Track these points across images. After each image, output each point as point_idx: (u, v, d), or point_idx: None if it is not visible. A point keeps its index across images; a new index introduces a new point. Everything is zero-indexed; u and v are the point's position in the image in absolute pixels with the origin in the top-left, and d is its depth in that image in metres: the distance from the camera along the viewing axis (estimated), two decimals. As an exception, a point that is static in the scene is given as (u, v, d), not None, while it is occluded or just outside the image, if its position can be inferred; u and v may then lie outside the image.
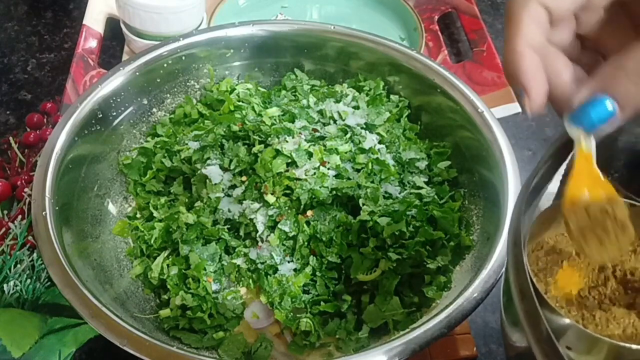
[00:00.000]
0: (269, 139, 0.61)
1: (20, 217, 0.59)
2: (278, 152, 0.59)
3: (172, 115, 0.69)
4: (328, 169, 0.60)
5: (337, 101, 0.67)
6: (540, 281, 0.36)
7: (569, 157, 0.38)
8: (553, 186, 0.38)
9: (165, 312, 0.55)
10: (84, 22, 0.83)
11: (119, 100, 0.64)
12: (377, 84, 0.69)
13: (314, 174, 0.59)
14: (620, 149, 0.41)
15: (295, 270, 0.58)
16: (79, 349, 0.54)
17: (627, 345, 0.33)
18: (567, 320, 0.33)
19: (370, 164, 0.61)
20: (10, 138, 0.68)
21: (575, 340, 0.33)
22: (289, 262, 0.58)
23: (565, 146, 0.38)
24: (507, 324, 0.38)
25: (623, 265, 0.36)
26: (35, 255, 0.57)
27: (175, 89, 0.69)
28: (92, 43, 0.81)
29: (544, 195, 0.38)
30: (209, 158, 0.62)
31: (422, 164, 0.64)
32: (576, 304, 0.35)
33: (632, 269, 0.36)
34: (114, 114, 0.64)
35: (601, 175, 0.35)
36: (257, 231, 0.58)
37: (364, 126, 0.65)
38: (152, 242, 0.59)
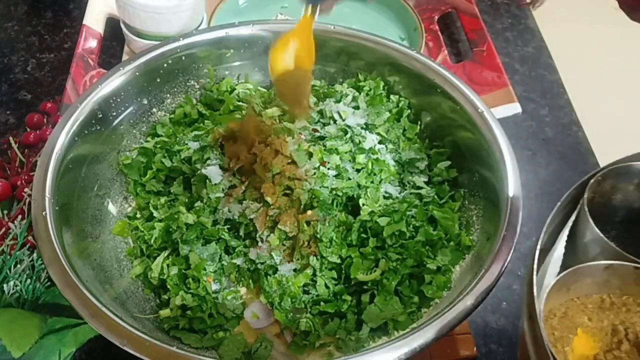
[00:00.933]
0: (269, 139, 0.61)
1: (20, 217, 0.59)
2: (278, 152, 0.60)
3: (172, 115, 0.69)
4: (328, 169, 0.60)
5: (337, 101, 0.67)
6: (558, 352, 0.36)
7: (571, 220, 0.39)
8: (558, 253, 0.40)
9: (165, 312, 0.55)
10: (84, 22, 0.83)
11: (119, 100, 0.64)
12: (377, 84, 0.69)
13: (314, 174, 0.59)
14: (614, 206, 0.42)
15: (295, 270, 0.58)
16: (79, 349, 0.54)
17: None
18: None
19: (370, 164, 0.61)
20: (10, 138, 0.68)
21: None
22: (288, 262, 0.58)
23: (570, 206, 0.39)
24: None
25: (635, 327, 0.37)
26: (35, 255, 0.57)
27: (175, 89, 0.69)
28: (92, 43, 0.81)
29: (551, 262, 0.39)
30: (209, 158, 0.62)
31: (422, 164, 0.64)
32: None
33: None
34: (114, 114, 0.64)
35: (312, 41, 0.52)
36: (257, 231, 0.58)
37: (364, 126, 0.65)
38: (152, 242, 0.59)
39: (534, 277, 0.35)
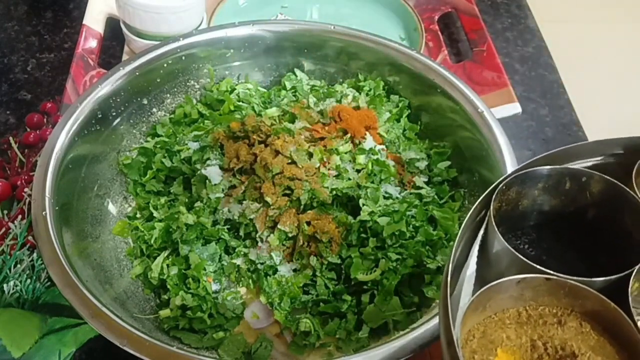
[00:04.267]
0: (269, 139, 0.61)
1: (20, 217, 0.59)
2: (278, 152, 0.60)
3: (172, 115, 0.69)
4: (328, 169, 0.60)
5: (337, 101, 0.67)
6: None
7: (481, 232, 0.39)
8: (470, 270, 0.40)
9: (165, 312, 0.55)
10: (84, 22, 0.83)
11: (119, 100, 0.64)
12: (377, 84, 0.69)
13: (314, 174, 0.59)
14: (524, 212, 0.43)
15: (295, 270, 0.58)
16: (79, 349, 0.54)
17: None
18: None
19: (370, 165, 0.61)
20: (10, 138, 0.68)
21: None
22: (288, 262, 0.58)
23: (479, 218, 0.40)
24: None
25: (553, 340, 0.37)
26: (35, 255, 0.57)
27: (175, 89, 0.69)
28: (92, 43, 0.81)
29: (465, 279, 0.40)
30: (208, 158, 0.62)
31: (422, 164, 0.64)
32: None
33: (561, 343, 0.36)
34: (114, 114, 0.64)
35: None
36: (257, 231, 0.58)
37: (364, 126, 0.65)
38: (152, 242, 0.59)
39: (448, 299, 0.35)
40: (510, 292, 0.38)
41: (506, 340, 0.37)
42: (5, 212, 0.61)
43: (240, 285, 0.59)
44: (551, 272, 0.36)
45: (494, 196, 0.39)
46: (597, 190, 0.41)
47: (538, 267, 0.36)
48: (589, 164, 0.43)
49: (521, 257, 0.37)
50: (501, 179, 0.40)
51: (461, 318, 0.36)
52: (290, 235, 0.58)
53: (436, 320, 0.47)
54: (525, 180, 0.41)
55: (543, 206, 0.43)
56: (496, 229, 0.38)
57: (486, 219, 0.40)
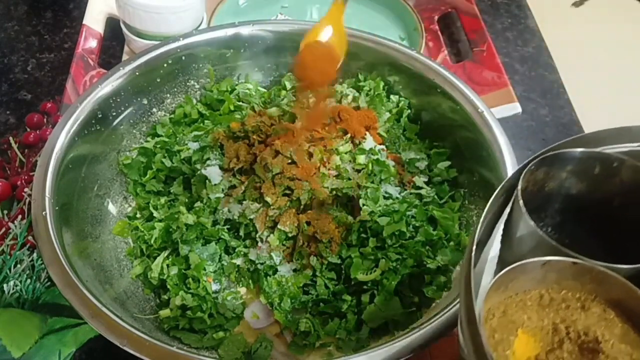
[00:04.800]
0: (269, 139, 0.61)
1: (20, 217, 0.59)
2: (278, 152, 0.60)
3: (172, 115, 0.69)
4: (328, 169, 0.60)
5: (337, 101, 0.67)
6: (499, 356, 0.36)
7: (506, 212, 0.39)
8: (494, 250, 0.39)
9: (165, 312, 0.55)
10: (84, 22, 0.83)
11: (119, 100, 0.64)
12: (377, 84, 0.69)
13: (314, 174, 0.59)
14: (550, 195, 0.42)
15: (294, 270, 0.58)
16: (79, 349, 0.54)
17: None
18: None
19: (370, 165, 0.61)
20: (10, 138, 0.68)
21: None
22: (288, 262, 0.58)
23: (505, 197, 0.39)
24: None
25: (575, 325, 0.36)
26: (35, 255, 0.57)
27: (175, 89, 0.69)
28: (92, 43, 0.81)
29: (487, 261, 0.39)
30: (208, 158, 0.62)
31: (422, 164, 0.64)
32: None
33: (584, 328, 0.36)
34: (114, 114, 0.64)
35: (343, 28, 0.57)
36: (256, 231, 0.58)
37: (364, 126, 0.65)
38: (152, 242, 0.59)
39: (472, 276, 0.35)
40: (534, 274, 0.37)
41: (527, 322, 0.37)
42: (5, 212, 0.61)
43: (240, 285, 0.59)
44: (579, 256, 0.36)
45: (522, 176, 0.38)
46: (627, 177, 0.39)
47: (566, 250, 0.36)
48: (622, 149, 0.41)
49: (549, 239, 0.36)
50: (531, 158, 0.39)
51: (483, 296, 0.35)
52: (290, 235, 0.58)
53: (436, 320, 0.47)
54: (554, 162, 0.40)
55: (569, 190, 0.42)
56: (524, 209, 0.37)
57: (512, 197, 0.39)
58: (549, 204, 0.43)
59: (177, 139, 0.66)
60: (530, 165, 0.38)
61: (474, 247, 0.36)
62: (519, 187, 0.38)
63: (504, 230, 0.39)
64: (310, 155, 0.60)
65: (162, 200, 0.63)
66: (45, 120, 0.70)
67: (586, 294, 0.38)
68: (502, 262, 0.38)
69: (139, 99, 0.66)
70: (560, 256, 0.36)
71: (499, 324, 0.37)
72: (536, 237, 0.37)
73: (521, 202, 0.37)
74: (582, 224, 0.43)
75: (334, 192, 0.59)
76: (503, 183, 0.39)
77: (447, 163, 0.64)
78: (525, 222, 0.37)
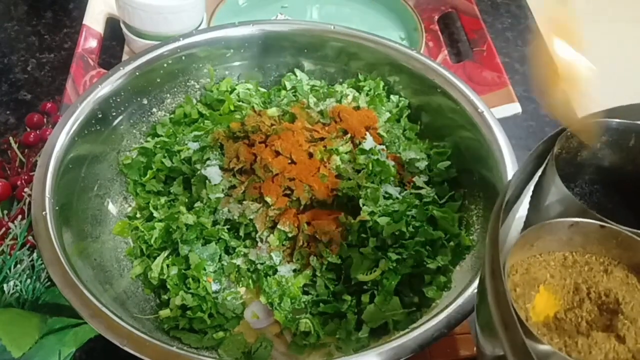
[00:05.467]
0: (269, 139, 0.61)
1: (20, 217, 0.59)
2: (278, 152, 0.60)
3: (172, 115, 0.69)
4: (328, 169, 0.60)
5: (337, 101, 0.67)
6: (520, 308, 0.36)
7: (537, 175, 0.39)
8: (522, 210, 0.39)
9: (165, 312, 0.55)
10: (84, 22, 0.83)
11: (119, 100, 0.64)
12: (377, 84, 0.69)
13: (314, 174, 0.59)
14: (581, 164, 0.42)
15: (294, 270, 0.58)
16: (79, 349, 0.54)
17: None
18: (550, 349, 0.33)
19: (370, 165, 0.61)
20: (10, 138, 0.68)
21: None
22: (288, 262, 0.58)
23: (537, 161, 0.39)
24: (482, 336, 0.39)
25: (597, 286, 0.37)
26: (35, 255, 0.57)
27: (175, 89, 0.69)
28: (92, 43, 0.81)
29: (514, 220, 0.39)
30: (208, 158, 0.62)
31: (422, 164, 0.64)
32: (555, 329, 0.36)
33: (605, 290, 0.36)
34: (114, 114, 0.64)
35: None
36: (256, 231, 0.58)
37: (364, 126, 0.65)
38: (152, 242, 0.59)
39: (499, 230, 0.35)
40: (560, 234, 0.37)
41: (549, 279, 0.37)
42: (5, 212, 0.61)
43: (240, 285, 0.59)
44: (607, 220, 0.36)
45: (557, 140, 0.38)
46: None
47: (594, 213, 0.36)
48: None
49: (578, 201, 0.36)
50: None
51: (508, 253, 0.35)
52: (290, 235, 0.58)
53: (436, 320, 0.47)
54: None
55: (602, 161, 0.42)
56: (556, 173, 0.37)
57: (544, 162, 0.39)
58: (580, 174, 0.43)
59: (177, 139, 0.66)
60: (567, 130, 0.39)
61: (504, 204, 0.36)
62: (554, 150, 0.38)
63: (532, 194, 0.39)
64: (310, 155, 0.60)
65: (162, 200, 0.63)
66: (45, 120, 0.70)
67: (610, 259, 0.38)
68: (528, 226, 0.38)
69: (139, 99, 0.66)
70: (589, 219, 0.36)
71: (521, 279, 0.37)
72: (566, 201, 0.37)
73: (554, 165, 0.37)
74: (611, 197, 0.43)
75: (334, 192, 0.59)
76: (537, 145, 0.39)
77: (447, 163, 0.64)
78: (556, 185, 0.37)
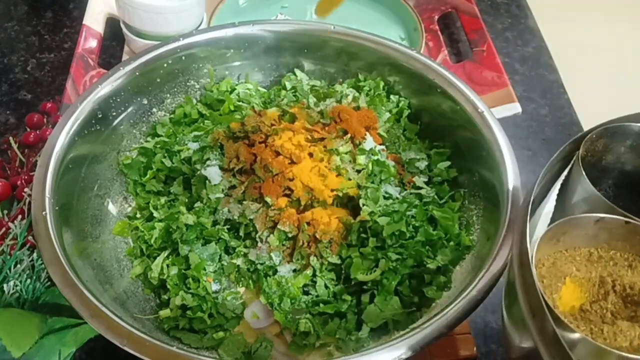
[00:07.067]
0: (269, 139, 0.61)
1: (20, 217, 0.59)
2: (278, 153, 0.60)
3: (172, 115, 0.69)
4: (328, 169, 0.60)
5: (337, 101, 0.67)
6: (547, 298, 0.37)
7: (563, 175, 0.40)
8: (549, 206, 0.40)
9: (165, 312, 0.55)
10: (84, 22, 0.83)
11: (119, 100, 0.64)
12: (377, 84, 0.69)
13: (314, 174, 0.59)
14: (605, 167, 0.43)
15: (294, 271, 0.58)
16: (79, 349, 0.54)
17: (635, 357, 0.34)
18: (578, 335, 0.34)
19: (370, 165, 0.61)
20: (10, 138, 0.68)
21: (586, 354, 0.34)
22: (288, 262, 0.58)
23: (562, 163, 0.39)
24: (511, 326, 0.39)
25: (622, 279, 0.37)
26: (35, 255, 0.57)
27: (175, 89, 0.69)
28: (92, 43, 0.81)
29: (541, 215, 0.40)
30: (208, 158, 0.62)
31: (422, 164, 0.64)
32: (580, 318, 0.36)
33: (630, 283, 0.37)
34: (114, 114, 0.64)
35: None
36: (256, 231, 0.58)
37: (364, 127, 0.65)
38: (152, 242, 0.59)
39: (527, 224, 0.36)
40: (587, 229, 0.38)
41: (575, 273, 0.38)
42: (5, 212, 0.61)
43: (240, 285, 0.59)
44: (632, 216, 0.37)
45: (583, 142, 0.39)
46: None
47: (620, 210, 0.37)
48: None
49: (604, 198, 0.37)
50: (593, 127, 0.39)
51: (535, 246, 0.36)
52: (290, 235, 0.58)
53: (436, 320, 0.47)
54: (615, 134, 0.40)
55: (625, 165, 0.43)
56: (583, 173, 0.38)
57: (570, 163, 0.39)
58: (604, 178, 0.44)
59: (177, 139, 0.66)
60: (591, 134, 0.39)
61: (531, 199, 0.37)
62: (580, 151, 0.39)
63: (558, 194, 0.40)
64: (311, 155, 0.60)
65: (162, 200, 0.63)
66: (45, 120, 0.70)
67: (634, 255, 0.39)
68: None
69: (139, 99, 0.66)
70: (615, 215, 0.37)
71: (547, 272, 0.38)
72: (592, 198, 0.38)
73: (581, 165, 0.38)
74: (635, 200, 0.44)
75: (334, 192, 0.59)
76: (563, 147, 0.40)
77: (447, 163, 0.64)
78: (582, 185, 0.38)
